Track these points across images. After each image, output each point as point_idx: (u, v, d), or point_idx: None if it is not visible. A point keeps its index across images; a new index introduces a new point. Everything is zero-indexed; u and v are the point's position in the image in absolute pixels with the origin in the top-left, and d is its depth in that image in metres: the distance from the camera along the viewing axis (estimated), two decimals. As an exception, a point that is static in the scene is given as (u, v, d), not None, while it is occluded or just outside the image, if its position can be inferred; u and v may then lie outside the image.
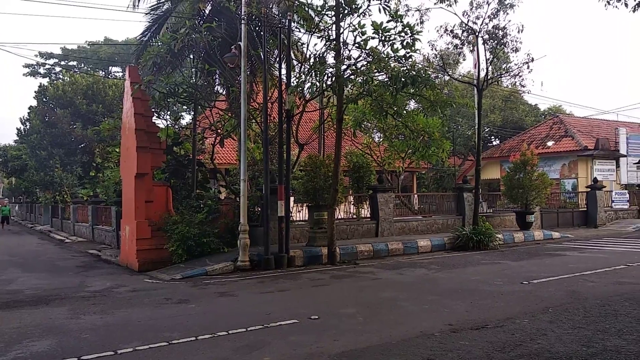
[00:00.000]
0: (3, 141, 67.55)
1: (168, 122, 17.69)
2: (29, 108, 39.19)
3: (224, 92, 17.03)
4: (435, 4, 15.92)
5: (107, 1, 24.68)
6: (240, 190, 12.38)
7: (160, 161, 13.85)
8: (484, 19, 16.54)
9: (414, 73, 11.70)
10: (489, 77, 17.52)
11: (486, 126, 36.47)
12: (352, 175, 19.48)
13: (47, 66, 48.04)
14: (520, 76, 17.38)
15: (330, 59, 12.49)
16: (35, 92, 38.61)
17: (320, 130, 19.65)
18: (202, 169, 16.76)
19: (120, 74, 44.31)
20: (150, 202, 13.13)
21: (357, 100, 13.44)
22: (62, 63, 48.30)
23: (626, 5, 10.04)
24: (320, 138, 20.65)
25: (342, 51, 12.29)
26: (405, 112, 15.54)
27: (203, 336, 6.34)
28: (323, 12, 12.53)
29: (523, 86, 17.67)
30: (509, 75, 18.47)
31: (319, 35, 13.01)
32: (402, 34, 11.56)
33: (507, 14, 16.54)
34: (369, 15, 12.29)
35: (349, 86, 13.61)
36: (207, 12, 16.30)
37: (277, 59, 14.49)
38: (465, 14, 16.72)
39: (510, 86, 33.13)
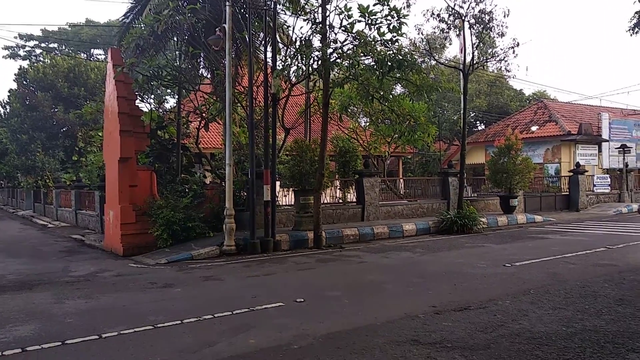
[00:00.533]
0: (-18, 125, 66.02)
1: (152, 106, 17.49)
2: (9, 91, 38.33)
3: (209, 76, 16.82)
4: (422, -13, 15.82)
5: (87, -19, 24.07)
6: (226, 174, 12.31)
7: (144, 145, 13.69)
8: (471, 3, 16.52)
9: (400, 57, 11.67)
10: (474, 62, 17.55)
11: (472, 111, 36.67)
12: (339, 159, 19.49)
13: (27, 48, 46.92)
14: (505, 61, 17.46)
15: (316, 42, 12.40)
16: (15, 74, 37.74)
17: (306, 115, 19.56)
18: (187, 153, 16.62)
19: (103, 56, 43.47)
20: (135, 187, 13.00)
21: (343, 85, 13.40)
22: (43, 45, 47.18)
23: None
24: (307, 122, 20.57)
25: (328, 34, 12.19)
26: (391, 96, 15.54)
27: (189, 319, 6.34)
28: (309, -6, 12.39)
29: (508, 71, 17.76)
30: (494, 60, 18.52)
31: (305, 18, 12.87)
32: (389, 17, 11.48)
33: (494, -3, 16.52)
34: (356, -2, 12.19)
35: (335, 70, 13.53)
36: (191, -7, 15.99)
37: (263, 42, 14.35)
38: (452, -3, 16.65)
39: (495, 71, 33.30)
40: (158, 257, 11.53)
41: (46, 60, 40.91)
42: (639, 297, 7.16)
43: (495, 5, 16.78)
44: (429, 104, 21.64)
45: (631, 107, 35.19)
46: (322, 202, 14.26)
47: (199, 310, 6.78)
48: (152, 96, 24.41)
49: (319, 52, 11.68)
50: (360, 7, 11.36)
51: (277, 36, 14.09)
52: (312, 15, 12.60)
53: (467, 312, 6.54)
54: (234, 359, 5.03)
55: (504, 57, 17.43)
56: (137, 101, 14.19)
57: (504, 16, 16.72)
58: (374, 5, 11.41)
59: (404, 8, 14.77)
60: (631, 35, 11.61)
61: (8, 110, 38.13)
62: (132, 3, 16.44)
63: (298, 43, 12.27)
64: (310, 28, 12.41)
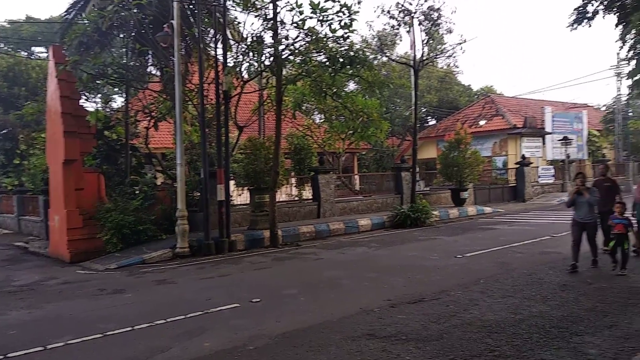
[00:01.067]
0: None
1: (98, 105, 16.86)
2: (-58, 91, 35.96)
3: (158, 73, 16.35)
4: (371, -16, 16.00)
5: (25, -25, 22.89)
6: (178, 174, 12.02)
7: (90, 146, 13.18)
8: (420, 0, 16.82)
9: (352, 54, 11.76)
10: (424, 58, 17.90)
11: (423, 106, 37.41)
12: (294, 157, 19.43)
13: (-39, 46, 44.17)
14: (454, 57, 17.92)
15: (268, 38, 12.30)
16: (-52, 74, 35.41)
17: (259, 112, 19.39)
18: (136, 153, 16.10)
19: (45, 54, 41.51)
20: (81, 190, 12.50)
21: (296, 81, 13.36)
22: (-22, 42, 44.55)
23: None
24: (260, 120, 20.40)
25: (279, 31, 12.12)
26: (344, 93, 15.59)
27: (140, 325, 6.16)
28: (259, -10, 12.27)
29: (457, 67, 18.24)
30: (443, 56, 18.99)
31: (256, 14, 12.74)
32: (340, 13, 11.53)
33: (441, -5, 16.90)
34: (307, -6, 12.16)
35: (288, 66, 13.46)
36: (136, -12, 15.48)
37: (213, 38, 14.08)
38: (401, -6, 16.90)
39: (445, 67, 34.16)
40: (108, 262, 11.14)
41: (-18, 58, 38.62)
42: (581, 282, 7.52)
43: (444, 3, 17.21)
44: (382, 100, 21.93)
45: (572, 100, 36.95)
46: (277, 200, 14.18)
47: (151, 315, 6.60)
48: (99, 95, 23.60)
49: (270, 48, 11.60)
50: (311, 3, 11.35)
51: (228, 33, 13.86)
52: (263, 12, 12.50)
53: (421, 304, 6.67)
54: (188, 363, 4.93)
55: (452, 54, 17.89)
56: (82, 100, 13.65)
57: (451, 13, 17.19)
58: (325, 1, 11.44)
59: (355, 5, 14.81)
60: (571, 30, 12.11)
61: (-59, 111, 35.77)
62: (73, -2, 15.73)
63: (249, 39, 12.13)
64: (262, 24, 12.31)
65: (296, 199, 17.26)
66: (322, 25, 11.62)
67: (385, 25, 17.96)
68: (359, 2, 15.49)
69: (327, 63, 11.79)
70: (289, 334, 5.62)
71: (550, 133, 28.96)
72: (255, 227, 13.60)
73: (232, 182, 14.27)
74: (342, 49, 11.84)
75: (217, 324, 6.17)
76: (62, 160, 12.21)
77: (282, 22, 12.09)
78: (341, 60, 11.52)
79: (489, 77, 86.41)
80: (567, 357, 4.67)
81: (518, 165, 24.88)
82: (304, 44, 11.84)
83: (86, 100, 15.82)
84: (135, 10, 12.71)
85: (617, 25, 11.55)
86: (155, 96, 15.05)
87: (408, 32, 17.87)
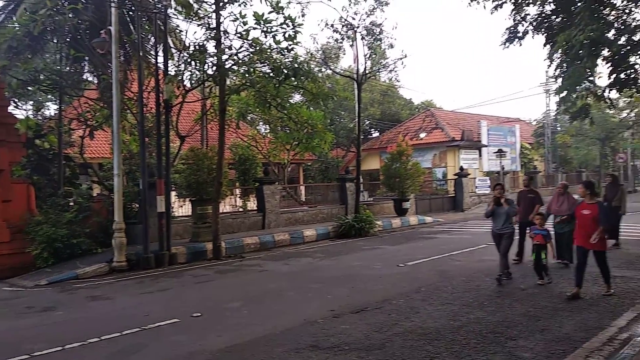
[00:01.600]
0: None
1: (29, 113, 15.96)
2: None
3: (95, 81, 15.73)
4: (315, -3, 16.22)
5: (-52, -27, 21.42)
6: (115, 185, 11.55)
7: (20, 156, 12.42)
8: (362, 15, 17.23)
9: (297, 65, 11.82)
10: (367, 72, 18.29)
11: (366, 119, 38.13)
12: (238, 167, 19.21)
13: None
14: (395, 71, 18.44)
15: (211, 48, 12.13)
16: None
17: (202, 122, 19.05)
18: (70, 163, 15.36)
19: (-30, 57, 38.89)
20: (8, 202, 11.73)
21: (240, 91, 13.26)
22: None
23: (484, 7, 11.05)
24: (203, 130, 20.04)
25: (223, 40, 11.99)
26: (288, 104, 15.63)
27: (71, 345, 5.82)
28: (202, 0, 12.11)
29: (398, 81, 18.76)
30: (386, 70, 19.48)
31: (199, 23, 12.56)
32: (284, 25, 11.57)
33: (383, 11, 17.41)
34: (250, 5, 12.16)
35: (232, 76, 13.33)
36: (72, -9, 14.87)
37: (154, 46, 13.73)
38: (344, 9, 17.29)
39: (387, 81, 35.04)
40: (37, 278, 10.48)
41: None
42: (515, 288, 7.85)
43: (385, 19, 17.75)
44: (326, 112, 22.19)
45: (505, 115, 38.89)
46: (221, 211, 13.92)
47: (83, 333, 6.25)
48: (30, 102, 22.34)
49: (213, 58, 11.43)
50: (255, 14, 11.33)
51: (170, 41, 13.59)
52: (206, 21, 12.34)
53: (364, 313, 6.72)
54: (123, 383, 4.70)
55: (394, 68, 18.38)
56: (11, 107, 12.87)
57: (393, 29, 17.68)
58: (269, 13, 11.45)
59: (299, 17, 14.95)
60: (503, 49, 12.76)
61: None
62: (4, 1, 14.89)
63: (192, 48, 11.91)
64: (205, 34, 12.13)
65: (240, 210, 17.03)
66: (266, 37, 11.60)
67: (329, 38, 18.31)
68: (302, 15, 15.72)
69: (272, 74, 11.77)
70: (230, 349, 5.50)
71: (486, 146, 30.31)
72: (198, 239, 13.28)
73: (173, 193, 13.88)
74: (287, 60, 11.88)
75: (155, 340, 5.94)
76: (-13, 171, 11.42)
77: (225, 32, 11.98)
78: (285, 71, 11.54)
79: (429, 92, 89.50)
80: (502, 361, 4.84)
81: (456, 177, 25.82)
82: (248, 55, 11.77)
83: (16, 107, 14.92)
84: (70, 15, 12.17)
85: (545, 45, 12.28)
86: (91, 104, 14.46)
87: (351, 46, 18.22)
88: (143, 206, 11.84)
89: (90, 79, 16.08)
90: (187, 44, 12.48)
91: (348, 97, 18.34)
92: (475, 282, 8.38)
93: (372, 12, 17.27)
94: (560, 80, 11.48)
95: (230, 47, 11.92)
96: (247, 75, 11.56)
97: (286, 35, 11.59)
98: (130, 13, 13.80)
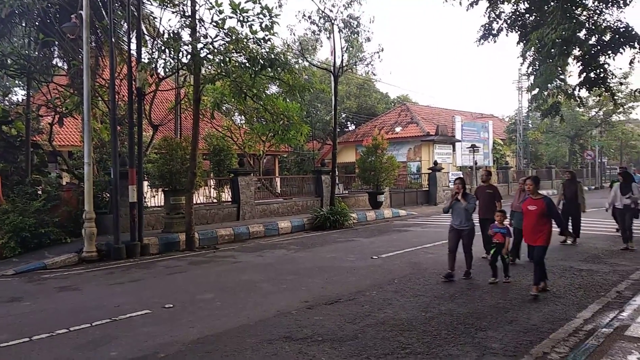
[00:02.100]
0: None
1: (-5, 98, 15.44)
2: None
3: (65, 66, 15.30)
4: (293, -12, 16.10)
5: None
6: (85, 174, 11.29)
7: (-16, 142, 12.03)
8: (339, 8, 17.21)
9: (273, 56, 11.71)
10: (344, 65, 18.29)
11: (342, 112, 38.22)
12: (212, 158, 19.03)
13: None
14: (372, 65, 18.48)
15: (186, 36, 11.92)
16: None
17: (176, 111, 18.77)
18: (38, 151, 14.95)
19: None
20: (-27, 190, 11.37)
21: (215, 81, 13.08)
22: None
23: (460, 3, 11.15)
24: (177, 119, 19.77)
25: (198, 29, 11.80)
26: (264, 95, 15.51)
27: (39, 336, 5.68)
28: (177, -14, 11.88)
29: (374, 74, 18.84)
30: (362, 63, 19.52)
31: (174, 10, 12.34)
32: (261, 15, 11.43)
33: (361, 4, 17.42)
34: (227, -6, 11.96)
35: (207, 66, 13.14)
36: (41, -26, 14.39)
37: (127, 32, 13.43)
38: (322, 0, 17.20)
39: (364, 74, 35.10)
40: (4, 269, 10.17)
41: None
42: (485, 281, 8.00)
43: (363, 12, 17.81)
44: (302, 104, 22.13)
45: (479, 111, 39.49)
46: (195, 202, 13.77)
47: (52, 324, 6.11)
48: (-4, 87, 21.61)
49: (188, 46, 11.23)
50: (231, 3, 11.16)
51: (143, 27, 13.30)
52: (180, 8, 12.12)
53: (338, 304, 6.76)
54: (92, 375, 4.62)
55: (371, 61, 18.42)
56: (-25, 92, 12.43)
57: (370, 22, 17.73)
58: (246, 2, 11.29)
59: (276, 7, 14.85)
60: (478, 46, 12.94)
61: None
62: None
63: (166, 36, 11.69)
64: (179, 21, 11.92)
65: (215, 201, 16.88)
66: (242, 26, 11.45)
67: (306, 30, 18.21)
68: (280, 5, 15.66)
69: (248, 64, 11.65)
70: (203, 340, 5.46)
71: (460, 141, 30.73)
72: (170, 230, 13.11)
73: (145, 183, 13.66)
74: (263, 51, 11.77)
75: (126, 331, 5.85)
76: (-51, 157, 11.02)
77: (201, 20, 11.79)
78: (261, 62, 11.43)
79: (405, 86, 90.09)
80: (472, 351, 4.94)
81: (431, 171, 26.13)
82: (224, 44, 11.62)
83: (-19, 92, 14.41)
84: (39, -2, 11.81)
85: (518, 43, 12.49)
86: (61, 90, 14.07)
87: (328, 38, 18.21)
88: (114, 196, 11.61)
89: (60, 64, 15.64)
90: (162, 31, 12.27)
91: (325, 89, 18.34)
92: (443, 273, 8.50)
93: (349, 5, 17.27)
94: (532, 77, 11.71)
95: (205, 36, 11.74)
96: (222, 64, 11.41)
97: (263, 25, 11.46)
98: (103, -3, 13.46)
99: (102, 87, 13.71)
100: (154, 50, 12.40)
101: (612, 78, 12.23)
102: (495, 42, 12.69)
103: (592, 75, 11.76)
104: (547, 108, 12.46)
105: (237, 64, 11.84)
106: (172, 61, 11.41)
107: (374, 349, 5.04)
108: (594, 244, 11.52)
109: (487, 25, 12.66)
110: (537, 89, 11.03)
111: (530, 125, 38.59)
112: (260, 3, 11.39)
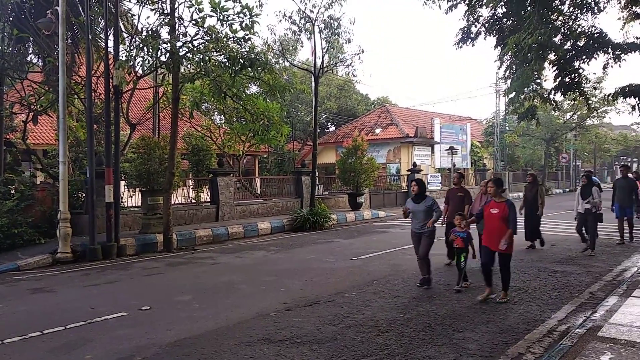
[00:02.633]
0: None
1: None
2: None
3: (40, 63, 14.97)
4: (274, -12, 16.03)
5: None
6: (60, 173, 11.06)
7: (-45, 140, 11.68)
8: (320, 8, 17.20)
9: (253, 56, 11.65)
10: (325, 66, 18.30)
11: (323, 113, 38.23)
12: (191, 158, 18.81)
13: None
14: (352, 66, 18.55)
15: (164, 34, 11.78)
16: None
17: (154, 110, 18.51)
18: (12, 149, 14.58)
19: None
20: (-58, 189, 11.03)
21: (194, 80, 12.94)
22: None
23: (439, 7, 11.26)
24: (155, 118, 19.49)
25: (177, 27, 11.67)
26: (244, 94, 15.40)
27: (11, 339, 5.55)
28: (156, -17, 11.73)
29: (355, 76, 18.90)
30: (343, 64, 19.57)
31: (152, 7, 12.17)
32: (241, 15, 11.36)
33: (342, 5, 17.46)
34: (207, -8, 11.85)
35: (186, 64, 13.00)
36: (16, -32, 14.05)
37: (104, 29, 13.21)
38: (303, 1, 17.20)
39: (344, 75, 35.20)
40: (-27, 270, 9.90)
41: None
42: (463, 281, 8.06)
43: (343, 13, 17.91)
44: (283, 104, 21.98)
45: (457, 114, 39.96)
46: (173, 202, 13.61)
47: (24, 327, 5.96)
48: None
49: (167, 44, 11.10)
50: (211, 1, 11.06)
51: (121, 24, 13.10)
52: (159, 6, 11.98)
53: (317, 306, 6.75)
54: (66, 379, 4.52)
55: (351, 63, 18.48)
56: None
57: (350, 23, 17.77)
58: (226, 1, 11.21)
59: (256, 7, 14.79)
60: (457, 49, 13.04)
61: None
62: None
63: (144, 33, 11.53)
64: (158, 19, 11.77)
65: (193, 201, 16.70)
66: (222, 25, 11.38)
67: (287, 30, 18.19)
68: (260, 5, 15.56)
69: (227, 63, 11.56)
70: (180, 342, 5.39)
71: (438, 143, 31.06)
72: (148, 231, 12.93)
73: (122, 183, 13.44)
74: (243, 50, 11.69)
75: (102, 334, 5.74)
76: None
77: (180, 18, 11.65)
78: (242, 61, 11.36)
79: (385, 88, 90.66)
80: (449, 352, 4.99)
81: (410, 172, 26.32)
82: (203, 43, 11.51)
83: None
84: (13, -8, 11.53)
85: (496, 47, 12.65)
86: (35, 87, 13.76)
87: (309, 39, 18.20)
88: (90, 195, 11.40)
89: (34, 60, 15.30)
90: (140, 29, 12.08)
91: (305, 90, 18.29)
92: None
93: (330, 6, 17.29)
94: (509, 81, 11.88)
95: (185, 34, 11.62)
96: (202, 63, 11.29)
97: (243, 24, 11.39)
98: (80, -7, 13.21)
99: (79, 85, 13.44)
100: (132, 48, 12.22)
101: (586, 83, 12.49)
102: (473, 45, 12.86)
103: (567, 79, 11.98)
104: (524, 111, 12.65)
105: (216, 63, 11.75)
106: (150, 59, 11.26)
107: (353, 350, 5.05)
108: (568, 245, 11.75)
109: (465, 29, 12.79)
110: (514, 93, 11.19)
111: (507, 128, 39.16)
112: (240, 2, 11.34)
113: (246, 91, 16.70)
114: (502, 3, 11.42)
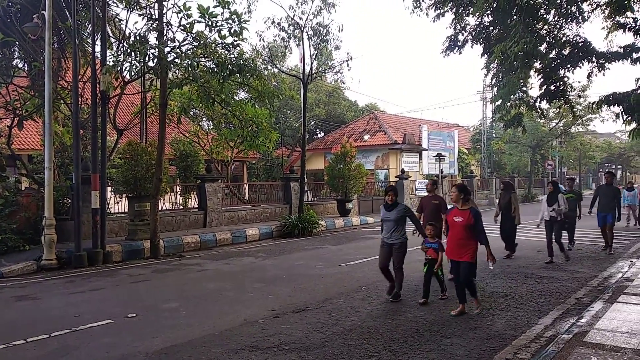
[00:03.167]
0: None
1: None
2: None
3: (26, 67, 14.82)
4: (263, -5, 16.09)
5: None
6: (45, 179, 10.92)
7: (-62, 145, 11.49)
8: (309, 15, 17.29)
9: (242, 62, 11.64)
10: (313, 72, 18.36)
11: (312, 119, 38.30)
12: (179, 164, 18.71)
13: None
14: (341, 73, 18.64)
15: (152, 39, 11.73)
16: None
17: (142, 115, 18.40)
18: (-4, 155, 14.35)
19: None
20: None
21: (182, 85, 12.90)
22: None
23: (427, 15, 11.37)
24: (143, 123, 19.36)
25: (165, 32, 11.64)
26: (233, 100, 15.37)
27: (-8, 349, 5.44)
28: (144, -11, 11.70)
29: (343, 82, 18.99)
30: (331, 71, 19.64)
31: (140, 13, 12.14)
32: (230, 21, 11.37)
33: (330, 12, 17.60)
34: (196, -2, 11.86)
35: (174, 70, 12.96)
36: (2, -28, 13.93)
37: (92, 34, 13.13)
38: (292, 8, 17.30)
39: (333, 82, 35.34)
40: (-45, 278, 9.72)
41: None
42: (450, 287, 8.10)
43: (332, 20, 17.95)
44: (271, 110, 22.01)
45: (445, 120, 40.30)
46: (160, 208, 13.51)
47: (8, 335, 5.86)
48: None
49: (155, 49, 11.05)
50: (200, 7, 11.06)
51: (108, 29, 13.02)
52: (147, 11, 11.93)
53: (305, 313, 6.73)
54: (49, 389, 4.44)
55: (340, 69, 18.57)
56: None
57: (339, 30, 17.86)
58: (215, 7, 11.21)
59: (245, 13, 14.83)
60: (444, 57, 13.16)
61: None
62: None
63: (132, 38, 11.47)
64: (146, 24, 11.73)
65: (181, 207, 16.59)
66: (211, 31, 11.37)
67: (276, 37, 18.21)
68: (249, 11, 15.63)
69: (216, 69, 11.55)
70: (166, 350, 5.33)
71: (426, 149, 31.25)
72: (134, 237, 12.80)
73: (109, 189, 13.32)
74: (232, 56, 11.69)
75: (87, 342, 5.66)
76: None
77: (168, 24, 11.64)
78: (230, 67, 11.35)
79: (374, 95, 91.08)
80: (437, 358, 4.99)
81: (398, 179, 26.44)
82: (192, 48, 11.49)
83: None
84: (-1, -4, 11.42)
85: (482, 55, 12.78)
86: (21, 92, 13.61)
87: (298, 45, 18.28)
88: (76, 201, 11.27)
89: (20, 65, 15.15)
90: (127, 34, 12.03)
91: (294, 96, 18.37)
92: (413, 281, 8.59)
93: (319, 13, 17.37)
94: (496, 89, 12.00)
95: (173, 40, 11.60)
96: (190, 69, 11.26)
97: (232, 30, 11.40)
98: (67, -2, 13.13)
99: (65, 90, 13.34)
100: (119, 53, 12.14)
101: (571, 91, 12.65)
102: (460, 53, 12.97)
103: (552, 87, 12.13)
104: (510, 119, 12.77)
105: (205, 69, 11.72)
106: (138, 64, 11.18)
107: (341, 357, 5.04)
108: (554, 251, 11.84)
109: (452, 37, 12.92)
110: (500, 100, 11.29)
111: (494, 135, 39.58)
112: (229, 8, 11.34)
113: (235, 97, 16.70)
114: (488, 12, 11.55)
